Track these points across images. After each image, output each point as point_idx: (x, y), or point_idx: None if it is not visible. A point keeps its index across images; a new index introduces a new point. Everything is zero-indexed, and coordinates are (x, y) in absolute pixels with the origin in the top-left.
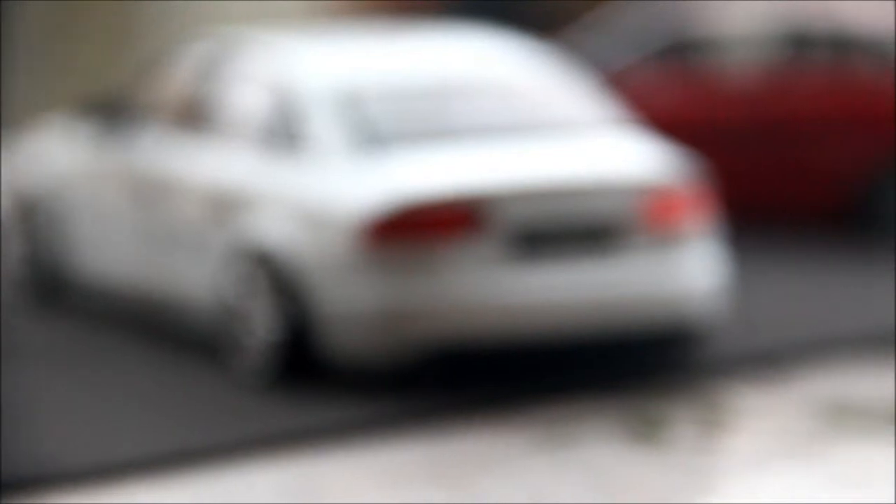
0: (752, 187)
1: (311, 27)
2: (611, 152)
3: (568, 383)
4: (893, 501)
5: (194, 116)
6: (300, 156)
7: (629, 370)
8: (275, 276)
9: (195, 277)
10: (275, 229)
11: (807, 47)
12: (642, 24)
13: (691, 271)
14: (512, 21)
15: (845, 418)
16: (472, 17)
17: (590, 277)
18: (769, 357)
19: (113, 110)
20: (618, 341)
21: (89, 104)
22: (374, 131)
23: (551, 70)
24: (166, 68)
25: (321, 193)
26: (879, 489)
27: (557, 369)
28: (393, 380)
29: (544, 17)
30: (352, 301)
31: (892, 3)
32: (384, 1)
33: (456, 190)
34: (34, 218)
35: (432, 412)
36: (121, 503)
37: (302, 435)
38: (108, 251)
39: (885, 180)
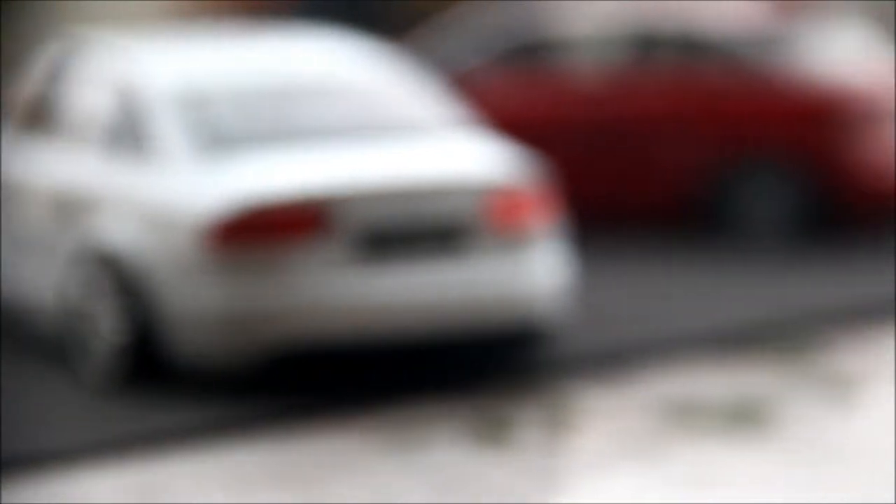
0: (599, 188)
1: (162, 28)
2: (456, 154)
3: (416, 385)
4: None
5: (43, 119)
6: (145, 158)
7: (476, 372)
8: (120, 278)
9: (44, 281)
10: (120, 231)
11: (654, 48)
12: (491, 25)
13: (537, 271)
14: (362, 22)
15: (690, 418)
16: (322, 18)
17: (436, 278)
18: (615, 357)
19: None
20: (465, 342)
21: None
22: (219, 133)
23: (398, 72)
24: (21, 70)
25: (166, 195)
26: (724, 490)
27: (405, 371)
28: (241, 382)
29: (395, 18)
30: (196, 303)
31: (739, 3)
32: (235, 1)
33: (301, 191)
34: None
35: (280, 415)
36: None
37: (149, 438)
38: None
39: (731, 180)
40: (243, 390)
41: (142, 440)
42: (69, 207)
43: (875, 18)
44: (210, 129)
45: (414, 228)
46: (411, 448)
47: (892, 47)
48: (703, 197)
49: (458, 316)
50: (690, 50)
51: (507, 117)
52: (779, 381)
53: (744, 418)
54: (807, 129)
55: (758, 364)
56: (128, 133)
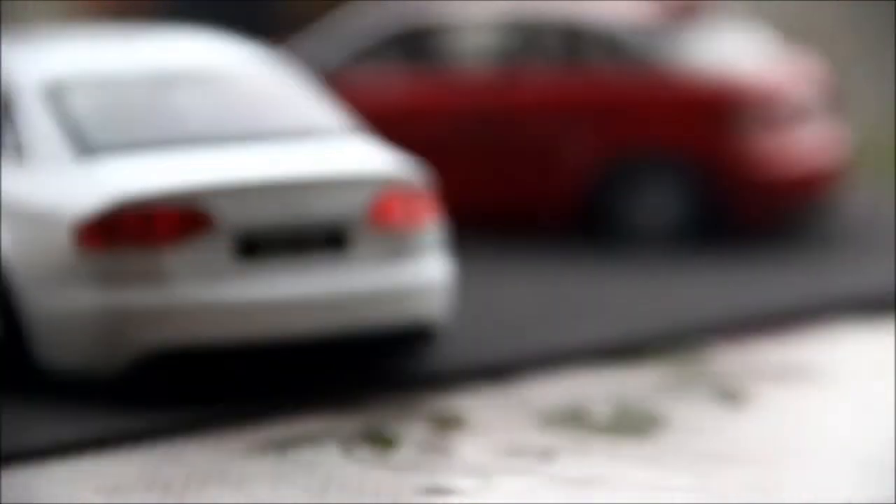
0: (477, 188)
1: (41, 28)
2: (336, 152)
3: (295, 391)
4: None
5: None
6: (16, 157)
7: (357, 377)
8: None
9: None
10: None
11: (537, 39)
12: (366, 20)
13: (424, 270)
14: (242, 23)
15: (574, 425)
16: (202, 18)
17: (317, 277)
18: (498, 366)
19: None
20: (350, 342)
21: None
22: (92, 133)
23: (277, 73)
24: None
25: (38, 195)
26: (609, 493)
27: (286, 378)
28: (113, 388)
29: (277, 19)
30: (67, 305)
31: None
32: (109, 1)
33: (175, 189)
34: None
35: (155, 421)
36: None
37: (20, 448)
38: None
39: (619, 181)
40: (117, 397)
41: (13, 452)
42: None
43: (767, 20)
44: (83, 129)
45: (294, 226)
46: (289, 455)
47: (783, 49)
48: (590, 198)
49: (343, 315)
50: (575, 42)
51: (382, 115)
52: (663, 388)
53: (629, 425)
54: (698, 128)
55: (642, 372)
56: (5, 133)
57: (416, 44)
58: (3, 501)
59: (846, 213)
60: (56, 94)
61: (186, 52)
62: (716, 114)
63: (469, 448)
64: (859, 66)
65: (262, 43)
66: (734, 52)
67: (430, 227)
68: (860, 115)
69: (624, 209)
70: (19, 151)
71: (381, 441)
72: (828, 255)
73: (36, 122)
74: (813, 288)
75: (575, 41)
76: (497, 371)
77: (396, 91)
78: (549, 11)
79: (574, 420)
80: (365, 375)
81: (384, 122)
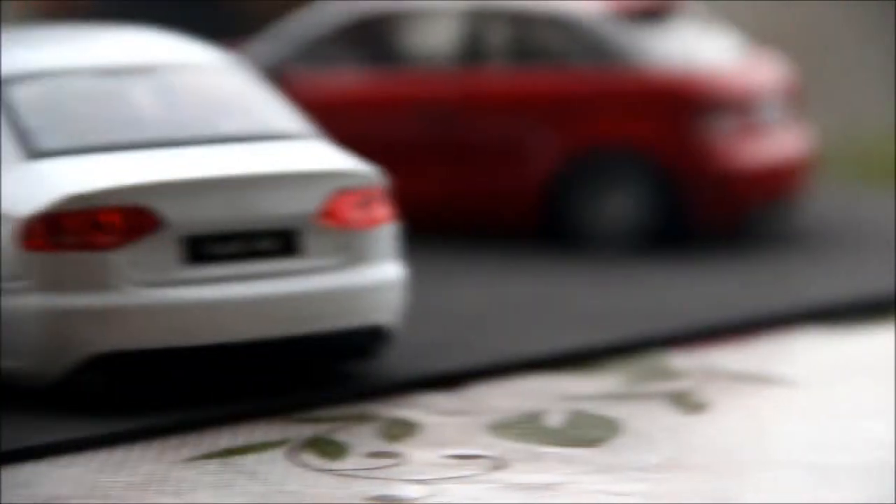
0: (428, 187)
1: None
2: (289, 153)
3: (243, 397)
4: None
5: None
6: None
7: (307, 383)
8: None
9: None
10: None
11: (497, 33)
12: (319, 15)
13: (374, 272)
14: (196, 24)
15: (525, 435)
16: (154, 19)
17: (268, 279)
18: (450, 372)
19: None
20: (303, 345)
21: None
22: (41, 134)
23: (230, 74)
24: None
25: None
26: (563, 497)
27: (232, 381)
28: (56, 393)
29: (235, 20)
30: (10, 307)
31: None
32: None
33: (117, 189)
34: None
35: (98, 428)
36: None
37: None
38: None
39: (576, 179)
40: (64, 405)
41: None
42: None
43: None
44: (34, 130)
45: (247, 226)
46: (236, 464)
47: (748, 50)
48: (550, 197)
49: (294, 318)
50: (538, 35)
51: (335, 113)
52: (618, 396)
53: (582, 432)
54: (663, 126)
55: (597, 379)
56: None
57: (368, 37)
58: None
59: (809, 216)
60: (5, 96)
61: (139, 51)
62: (681, 112)
63: (419, 456)
64: (828, 68)
65: (216, 44)
66: (700, 51)
67: (385, 228)
68: (825, 117)
69: (585, 209)
70: None
71: (330, 449)
72: (789, 260)
73: None
74: (772, 293)
75: (538, 33)
76: (449, 378)
77: (349, 87)
78: (510, 2)
79: (527, 427)
80: (315, 381)
81: (337, 120)
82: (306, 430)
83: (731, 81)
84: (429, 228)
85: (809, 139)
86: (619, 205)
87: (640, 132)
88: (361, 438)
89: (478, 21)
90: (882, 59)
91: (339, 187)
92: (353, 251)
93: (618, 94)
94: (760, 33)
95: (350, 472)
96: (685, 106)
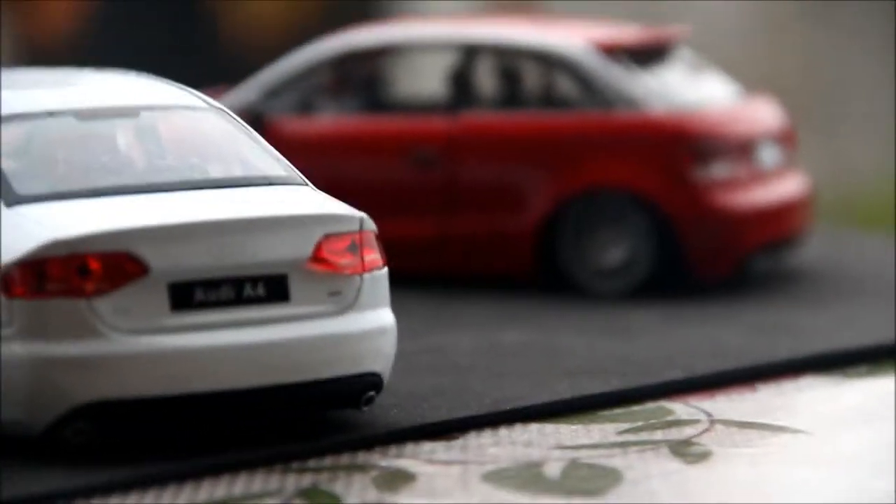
0: (424, 231)
1: None
2: (277, 198)
3: (237, 446)
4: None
5: None
6: None
7: (300, 432)
8: None
9: None
10: None
11: (487, 68)
12: (298, 55)
13: (366, 319)
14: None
15: (522, 486)
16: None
17: (258, 325)
18: (446, 421)
19: None
20: (289, 394)
21: None
22: (22, 180)
23: (215, 119)
24: None
25: None
26: None
27: (224, 430)
28: (44, 443)
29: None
30: None
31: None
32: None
33: (102, 234)
34: None
35: (89, 479)
36: None
37: None
38: None
39: (576, 223)
40: (52, 456)
41: None
42: None
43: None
44: (15, 176)
45: (235, 272)
46: None
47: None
48: (544, 243)
49: (285, 366)
50: (524, 73)
51: (317, 155)
52: (618, 445)
53: (581, 483)
54: (660, 170)
55: (596, 428)
56: None
57: (352, 74)
58: None
59: (807, 261)
60: None
61: (122, 94)
62: (679, 155)
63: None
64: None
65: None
66: (698, 94)
67: (375, 274)
68: (821, 163)
69: (580, 254)
70: None
71: (324, 499)
72: (789, 306)
73: None
74: (773, 341)
75: (530, 71)
76: (444, 427)
77: (334, 129)
78: (502, 35)
79: (524, 478)
80: (308, 430)
81: (322, 164)
82: (301, 481)
83: (729, 124)
84: (419, 274)
85: (806, 184)
86: (616, 250)
87: (638, 175)
88: (356, 489)
89: (468, 56)
90: (882, 105)
91: (329, 232)
92: (343, 297)
93: (615, 136)
94: (756, 78)
95: None
96: (684, 149)
